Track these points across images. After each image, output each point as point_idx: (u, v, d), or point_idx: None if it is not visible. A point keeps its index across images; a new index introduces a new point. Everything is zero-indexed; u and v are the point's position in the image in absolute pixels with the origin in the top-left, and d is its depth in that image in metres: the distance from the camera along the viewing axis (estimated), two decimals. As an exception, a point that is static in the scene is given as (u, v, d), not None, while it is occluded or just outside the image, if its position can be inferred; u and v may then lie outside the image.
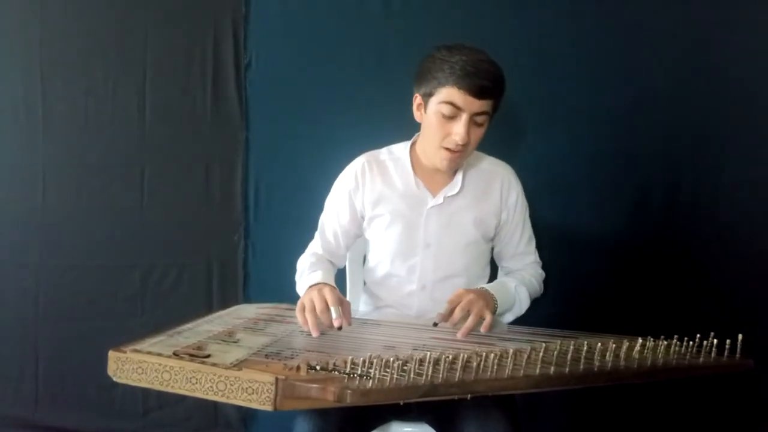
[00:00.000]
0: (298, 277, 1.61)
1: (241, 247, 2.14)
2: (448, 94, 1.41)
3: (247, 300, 2.13)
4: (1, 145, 2.17)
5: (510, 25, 2.00)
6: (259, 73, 2.11)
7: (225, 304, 2.06)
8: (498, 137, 1.94)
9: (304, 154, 2.08)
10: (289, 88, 2.10)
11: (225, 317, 1.52)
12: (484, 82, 1.40)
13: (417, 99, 1.51)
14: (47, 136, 2.15)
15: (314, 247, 1.67)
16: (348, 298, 1.70)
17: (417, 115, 1.53)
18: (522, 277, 1.61)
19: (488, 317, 1.36)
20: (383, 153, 1.64)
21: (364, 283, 1.72)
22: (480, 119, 1.44)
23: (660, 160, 2.01)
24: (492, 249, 1.67)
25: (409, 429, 1.45)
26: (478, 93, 1.40)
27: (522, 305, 1.57)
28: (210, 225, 2.15)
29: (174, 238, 2.16)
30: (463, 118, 1.42)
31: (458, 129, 1.43)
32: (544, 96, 2.01)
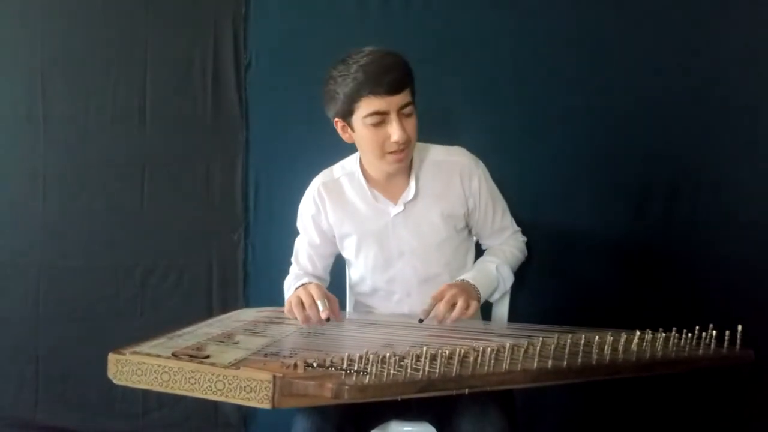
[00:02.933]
0: (286, 292, 1.61)
1: (241, 247, 2.15)
2: (367, 105, 1.38)
3: (247, 300, 2.14)
4: (1, 146, 2.18)
5: (510, 24, 2.00)
6: (259, 73, 2.11)
7: (225, 304, 2.08)
8: (498, 137, 1.95)
9: (304, 155, 2.07)
10: (289, 89, 2.10)
11: (225, 320, 1.53)
12: (394, 75, 1.37)
13: (338, 123, 1.48)
14: (48, 137, 2.16)
15: (294, 270, 1.68)
16: (348, 309, 1.72)
17: (345, 137, 1.50)
18: (503, 253, 1.61)
19: (473, 305, 1.38)
20: (336, 170, 1.62)
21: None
22: (407, 110, 1.42)
23: (660, 159, 2.00)
24: (469, 233, 1.65)
25: (409, 428, 1.45)
26: (393, 89, 1.37)
27: (506, 282, 1.58)
28: (210, 225, 2.16)
29: (174, 238, 2.16)
30: (393, 118, 1.40)
31: (394, 131, 1.40)
32: (544, 96, 2.00)
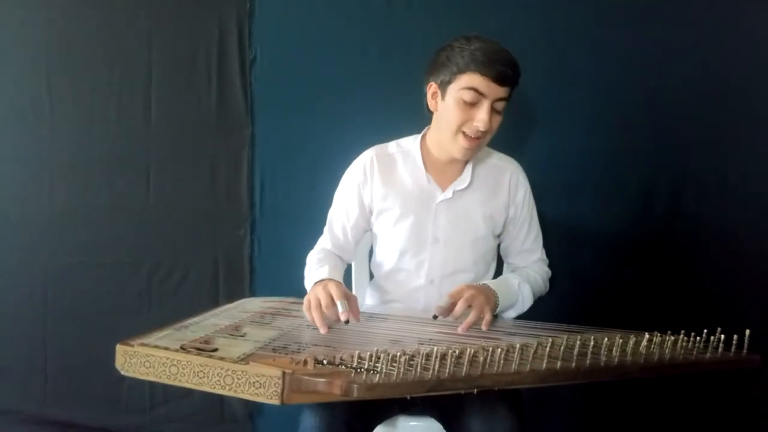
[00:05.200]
0: (306, 273, 1.61)
1: (247, 242, 2.15)
2: (470, 80, 1.42)
3: (253, 295, 2.13)
4: (7, 144, 2.18)
5: (515, 22, 2.00)
6: (264, 69, 2.11)
7: (231, 299, 2.05)
8: (505, 134, 1.95)
9: (310, 150, 2.08)
10: (294, 84, 2.10)
11: (231, 311, 1.53)
12: (506, 69, 1.41)
13: (432, 87, 1.51)
14: (53, 135, 2.16)
15: (323, 242, 1.67)
16: (354, 292, 1.71)
17: (431, 104, 1.53)
18: (527, 275, 1.60)
19: (488, 314, 1.37)
20: (391, 146, 1.64)
21: (371, 277, 1.72)
22: (499, 106, 1.45)
23: (666, 158, 2.00)
24: (498, 245, 1.67)
25: (415, 423, 1.45)
26: (500, 79, 1.41)
27: (525, 303, 1.57)
28: (216, 221, 2.15)
29: (180, 234, 2.16)
30: (485, 104, 1.43)
31: (481, 115, 1.43)
32: (550, 94, 2.00)
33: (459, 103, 1.44)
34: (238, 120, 2.12)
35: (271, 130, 2.13)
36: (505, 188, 1.60)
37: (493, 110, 1.44)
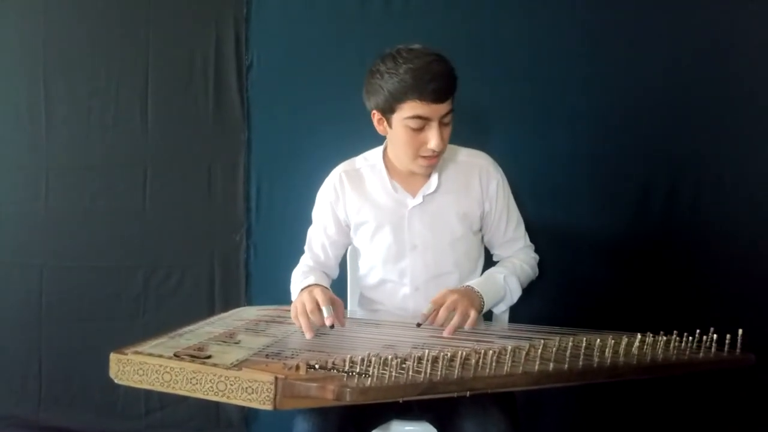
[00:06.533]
0: (292, 288, 1.62)
1: (243, 247, 2.15)
2: (411, 108, 1.39)
3: (249, 300, 2.14)
4: (4, 146, 2.19)
5: (510, 25, 2.00)
6: (261, 73, 2.12)
7: (227, 304, 2.08)
8: (498, 138, 1.96)
9: (306, 155, 2.08)
10: (290, 89, 2.10)
11: (226, 319, 1.53)
12: (441, 85, 1.37)
13: (376, 115, 1.49)
14: (50, 138, 2.17)
15: (305, 260, 1.69)
16: (349, 306, 1.71)
17: (380, 129, 1.51)
18: (513, 265, 1.60)
19: (472, 315, 1.36)
20: (359, 161, 1.64)
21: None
22: (446, 119, 1.43)
23: (660, 160, 2.00)
24: (483, 239, 1.66)
25: (410, 428, 1.45)
26: (439, 98, 1.38)
27: (513, 295, 1.57)
28: (212, 225, 2.16)
29: (176, 238, 2.17)
30: (434, 125, 1.41)
31: (432, 137, 1.41)
32: (543, 96, 2.00)
33: (407, 132, 1.42)
34: (234, 125, 2.13)
35: (267, 135, 2.13)
36: (476, 184, 1.58)
37: (441, 125, 1.42)
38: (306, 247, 1.69)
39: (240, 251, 2.15)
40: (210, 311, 2.08)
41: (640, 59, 1.98)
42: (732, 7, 1.95)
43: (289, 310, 1.54)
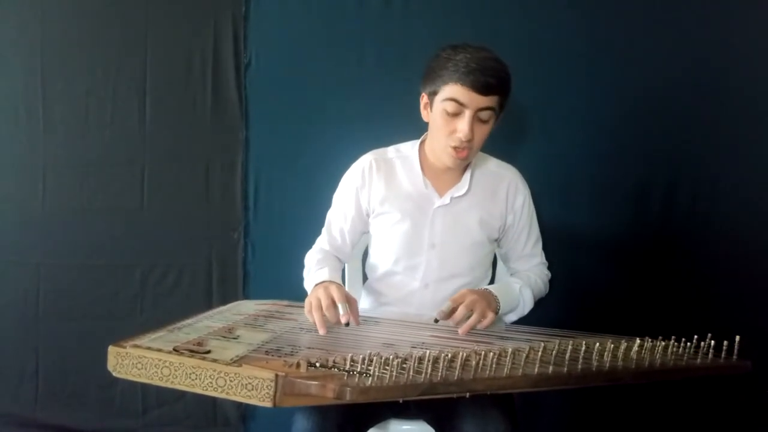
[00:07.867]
0: (305, 273, 1.62)
1: (241, 246, 2.15)
2: (451, 91, 1.42)
3: (247, 298, 2.13)
4: (1, 144, 2.17)
5: (510, 24, 2.01)
6: (259, 72, 2.11)
7: (225, 302, 2.03)
8: (499, 137, 1.96)
9: (304, 153, 2.09)
10: (288, 88, 2.10)
11: (225, 313, 1.52)
12: (487, 78, 1.40)
13: (423, 98, 1.52)
14: (48, 136, 2.15)
15: (321, 242, 1.68)
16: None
17: (424, 114, 1.54)
18: (528, 278, 1.61)
19: (489, 317, 1.36)
20: (390, 151, 1.65)
21: (365, 279, 1.72)
22: (484, 115, 1.45)
23: (660, 161, 2.02)
24: (495, 251, 1.67)
25: (408, 427, 1.46)
26: (480, 89, 1.40)
27: (525, 306, 1.58)
28: (210, 224, 2.15)
29: (174, 237, 2.16)
30: (467, 114, 1.43)
31: (462, 126, 1.43)
32: (545, 96, 2.01)
33: (443, 115, 1.45)
34: (232, 123, 2.13)
35: (265, 134, 2.13)
36: (503, 196, 1.61)
37: (476, 120, 1.44)
38: (324, 229, 1.69)
39: (238, 250, 2.15)
40: (208, 309, 2.06)
41: (640, 59, 1.99)
42: (732, 7, 1.96)
43: (288, 305, 1.55)
